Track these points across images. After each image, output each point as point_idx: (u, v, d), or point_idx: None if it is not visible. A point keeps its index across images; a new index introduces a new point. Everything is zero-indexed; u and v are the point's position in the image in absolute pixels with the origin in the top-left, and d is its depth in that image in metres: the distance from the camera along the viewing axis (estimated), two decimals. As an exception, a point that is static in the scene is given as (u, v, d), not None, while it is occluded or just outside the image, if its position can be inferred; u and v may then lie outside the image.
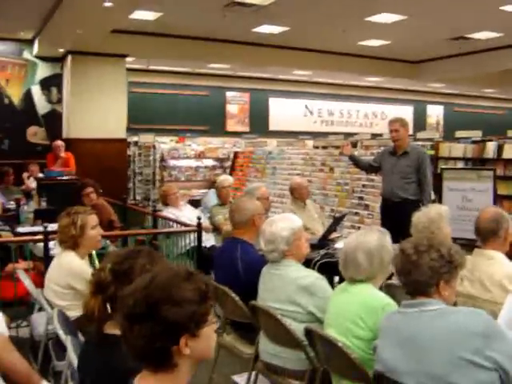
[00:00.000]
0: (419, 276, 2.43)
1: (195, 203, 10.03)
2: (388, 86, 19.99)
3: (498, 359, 2.22)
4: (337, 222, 6.16)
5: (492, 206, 4.05)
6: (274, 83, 18.63)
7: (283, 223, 3.55)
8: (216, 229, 7.62)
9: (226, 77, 17.51)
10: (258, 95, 18.69)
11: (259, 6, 10.38)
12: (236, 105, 18.49)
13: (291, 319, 3.33)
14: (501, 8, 10.52)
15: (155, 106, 16.66)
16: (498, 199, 7.32)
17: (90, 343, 2.28)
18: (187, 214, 7.49)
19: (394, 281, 3.81)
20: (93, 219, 3.77)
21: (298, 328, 3.23)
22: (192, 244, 6.50)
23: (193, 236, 6.35)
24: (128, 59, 13.13)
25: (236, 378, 4.27)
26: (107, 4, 8.49)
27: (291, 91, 19.20)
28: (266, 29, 12.52)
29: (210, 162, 16.62)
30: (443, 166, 8.54)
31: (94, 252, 2.53)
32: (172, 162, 15.80)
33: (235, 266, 3.90)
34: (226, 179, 9.37)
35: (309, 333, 3.09)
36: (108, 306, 2.15)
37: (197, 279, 1.69)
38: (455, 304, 2.75)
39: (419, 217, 4.08)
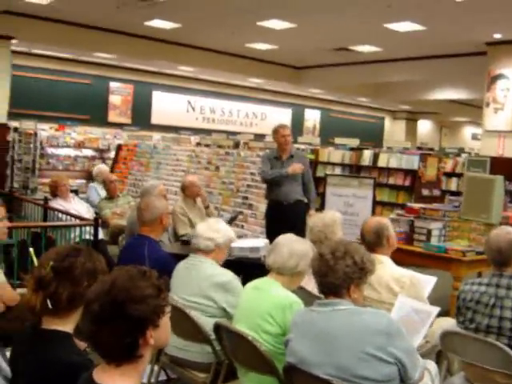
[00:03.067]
0: (334, 279, 2.70)
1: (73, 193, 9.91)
2: (269, 88, 20.49)
3: (397, 355, 2.55)
4: (231, 221, 6.40)
5: (373, 216, 4.43)
6: (159, 77, 18.55)
7: (227, 227, 3.94)
8: (103, 222, 7.63)
9: (110, 66, 17.21)
10: (141, 88, 18.51)
11: (154, 0, 10.41)
12: (119, 96, 18.22)
13: (202, 312, 3.53)
14: (384, 25, 11.21)
15: (37, 91, 16.06)
16: (374, 205, 7.90)
17: (25, 341, 2.32)
18: (76, 207, 7.44)
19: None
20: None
21: (207, 322, 3.44)
22: (82, 237, 6.47)
23: (79, 229, 6.29)
24: (11, 41, 12.66)
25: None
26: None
27: (175, 86, 19.19)
28: (157, 23, 12.52)
29: (89, 153, 16.33)
30: (328, 172, 9.02)
31: (31, 249, 2.57)
32: (50, 150, 15.39)
33: (142, 263, 3.99)
34: (104, 169, 9.35)
35: (218, 327, 3.30)
36: (49, 302, 2.23)
37: (150, 275, 1.89)
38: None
39: (315, 221, 4.42)
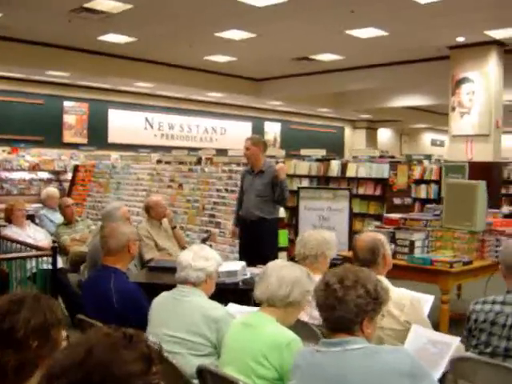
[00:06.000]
0: (344, 313, 2.28)
1: (29, 219, 9.34)
2: (228, 102, 20.16)
3: None
4: (203, 242, 5.95)
5: (367, 233, 4.04)
6: (115, 94, 18.02)
7: (213, 252, 3.50)
8: (63, 250, 7.13)
9: (63, 85, 16.59)
10: (97, 106, 17.95)
11: (108, 13, 9.94)
12: (74, 115, 17.59)
13: (188, 351, 3.07)
14: (346, 32, 10.96)
15: (-13, 113, 15.38)
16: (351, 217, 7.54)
17: None
18: (32, 235, 6.90)
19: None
20: None
21: (192, 363, 2.95)
22: (39, 267, 5.94)
23: (36, 260, 5.76)
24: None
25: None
26: None
27: (132, 103, 18.72)
28: (111, 38, 12.04)
29: (45, 175, 15.75)
30: (299, 185, 8.64)
31: None
32: (4, 175, 14.75)
33: (108, 297, 3.53)
34: (53, 192, 8.79)
35: (202, 371, 2.83)
36: None
37: (137, 342, 1.38)
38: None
39: (311, 234, 3.99)
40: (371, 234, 3.93)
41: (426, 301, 3.91)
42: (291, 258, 8.07)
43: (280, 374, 2.61)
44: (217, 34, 11.50)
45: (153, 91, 17.93)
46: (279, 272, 2.86)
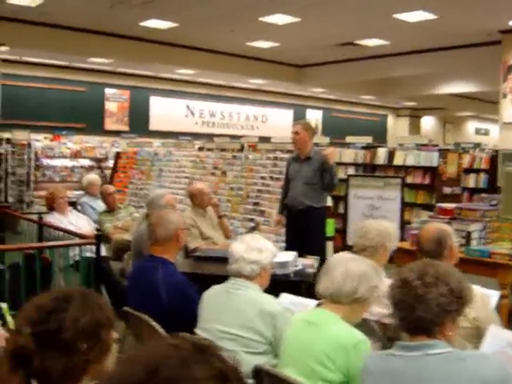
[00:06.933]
0: (425, 313, 2.04)
1: (71, 206, 9.29)
2: (270, 89, 19.91)
3: None
4: (250, 232, 5.73)
5: (433, 223, 3.78)
6: (156, 81, 17.97)
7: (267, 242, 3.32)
8: (104, 237, 7.00)
9: (105, 72, 16.60)
10: (138, 93, 17.92)
11: (150, -2, 9.78)
12: (115, 102, 17.59)
13: (243, 347, 2.85)
14: (394, 16, 10.60)
15: (29, 100, 15.40)
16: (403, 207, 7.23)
17: None
18: (74, 222, 6.80)
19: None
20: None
21: (248, 361, 2.74)
22: (82, 255, 5.80)
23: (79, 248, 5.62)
24: (1, 49, 12.00)
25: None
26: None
27: (173, 90, 18.64)
28: (153, 23, 11.90)
29: (86, 162, 15.78)
30: (346, 173, 8.35)
31: (4, 305, 1.75)
32: (46, 162, 14.80)
33: (156, 289, 3.34)
34: (95, 179, 8.67)
35: (259, 372, 2.61)
36: None
37: (211, 356, 1.14)
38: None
39: (372, 224, 3.73)
40: (438, 224, 3.67)
41: (491, 297, 3.65)
42: (342, 248, 7.84)
43: (346, 377, 2.38)
44: (260, 19, 11.24)
45: (194, 78, 17.79)
46: (345, 266, 2.62)
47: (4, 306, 1.71)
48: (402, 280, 2.12)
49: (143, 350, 1.17)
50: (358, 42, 13.09)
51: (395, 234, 3.79)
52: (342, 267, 2.62)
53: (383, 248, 3.68)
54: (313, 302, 3.33)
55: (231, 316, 2.97)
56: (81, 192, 14.00)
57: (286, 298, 3.56)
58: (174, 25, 11.97)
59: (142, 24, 11.90)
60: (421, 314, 2.05)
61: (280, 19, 11.29)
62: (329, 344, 2.43)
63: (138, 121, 17.91)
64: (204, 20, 11.45)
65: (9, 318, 1.57)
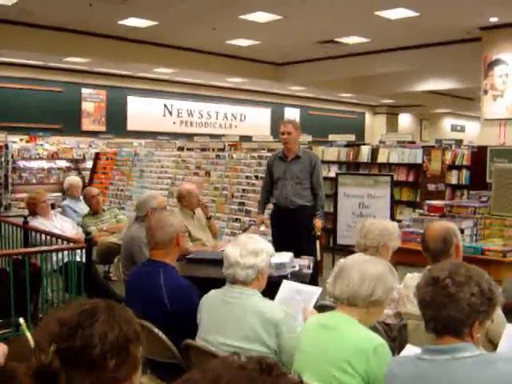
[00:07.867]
0: (455, 312, 1.97)
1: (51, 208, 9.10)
2: (248, 88, 19.82)
3: None
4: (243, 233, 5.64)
5: (438, 221, 3.73)
6: (133, 81, 17.77)
7: (263, 242, 3.11)
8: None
9: (81, 72, 16.35)
10: (115, 93, 17.69)
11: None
12: (92, 102, 17.35)
13: None
14: (376, 13, 10.57)
15: (5, 101, 15.11)
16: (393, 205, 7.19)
17: None
18: (59, 226, 6.62)
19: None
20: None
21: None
22: (66, 259, 5.64)
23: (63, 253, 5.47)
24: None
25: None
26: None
27: (150, 90, 18.46)
28: (132, 22, 11.72)
29: (63, 164, 15.60)
30: (338, 171, 8.29)
31: (21, 320, 1.60)
32: (23, 164, 14.58)
33: (158, 295, 3.21)
34: (76, 181, 8.47)
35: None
36: None
37: (279, 376, 1.06)
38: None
39: (373, 223, 3.66)
40: (443, 222, 3.63)
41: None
42: (331, 248, 7.77)
43: (366, 381, 2.29)
44: (241, 17, 11.14)
45: (172, 77, 17.64)
46: (360, 267, 2.53)
47: (22, 320, 1.57)
48: (432, 278, 2.05)
49: (207, 370, 1.07)
50: (338, 39, 13.04)
51: (396, 232, 3.73)
52: (358, 269, 2.53)
53: (385, 247, 3.62)
54: (318, 290, 3.35)
55: (233, 328, 2.85)
56: (59, 194, 13.84)
57: (289, 285, 3.53)
58: (154, 23, 11.81)
59: (121, 22, 11.72)
60: (451, 313, 1.98)
61: (261, 17, 11.20)
62: (348, 348, 2.34)
63: (116, 121, 17.70)
64: (185, 18, 11.32)
65: (28, 335, 1.44)
